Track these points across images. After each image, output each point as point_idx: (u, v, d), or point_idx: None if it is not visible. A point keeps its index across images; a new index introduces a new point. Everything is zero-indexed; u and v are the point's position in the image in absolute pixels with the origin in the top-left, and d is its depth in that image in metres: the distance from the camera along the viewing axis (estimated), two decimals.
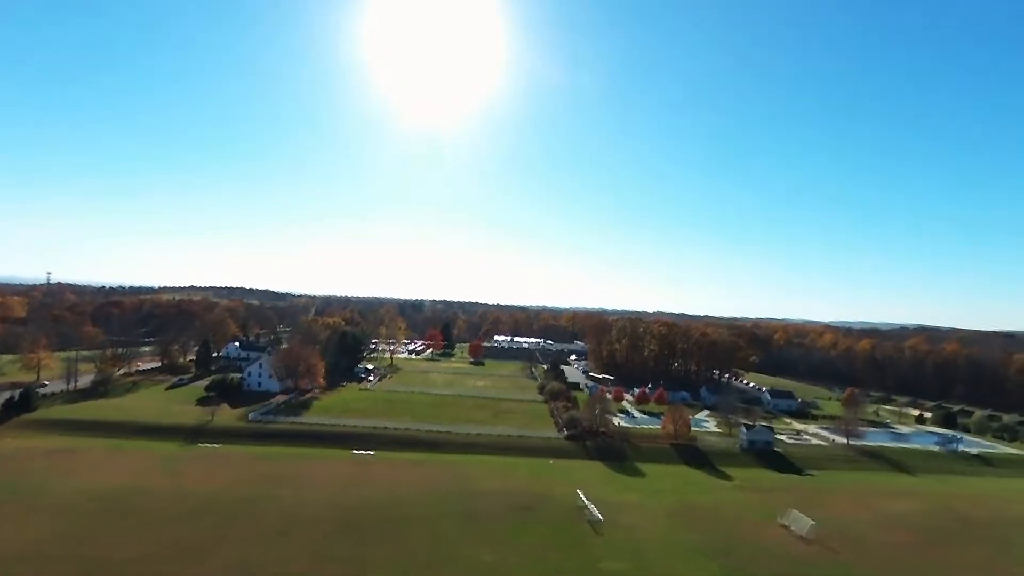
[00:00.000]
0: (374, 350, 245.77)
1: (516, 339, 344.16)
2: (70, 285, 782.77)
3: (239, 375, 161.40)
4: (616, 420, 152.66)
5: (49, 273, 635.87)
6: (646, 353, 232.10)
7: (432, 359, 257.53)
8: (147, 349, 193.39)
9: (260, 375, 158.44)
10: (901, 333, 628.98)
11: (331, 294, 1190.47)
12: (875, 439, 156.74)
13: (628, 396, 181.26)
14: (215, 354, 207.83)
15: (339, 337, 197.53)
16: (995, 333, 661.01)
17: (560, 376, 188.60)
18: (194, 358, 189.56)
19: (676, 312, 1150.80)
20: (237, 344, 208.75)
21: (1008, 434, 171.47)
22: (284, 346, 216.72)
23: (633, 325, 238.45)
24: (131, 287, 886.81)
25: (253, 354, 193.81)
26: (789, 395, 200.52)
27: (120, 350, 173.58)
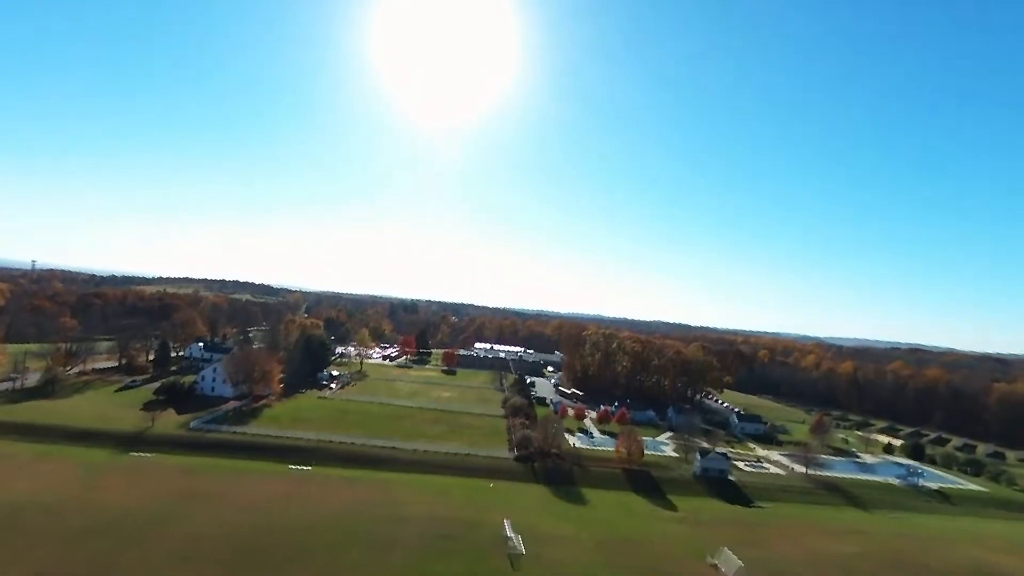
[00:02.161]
0: (343, 355, 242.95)
1: (496, 347, 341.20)
2: (63, 271, 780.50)
3: (194, 378, 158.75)
4: (574, 440, 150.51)
5: (34, 261, 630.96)
6: (619, 369, 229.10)
7: (404, 366, 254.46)
8: (106, 345, 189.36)
9: (214, 379, 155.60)
10: (892, 353, 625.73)
11: (329, 290, 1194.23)
12: (839, 469, 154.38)
13: (590, 414, 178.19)
14: (179, 354, 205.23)
15: (304, 341, 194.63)
16: (987, 357, 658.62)
17: (525, 390, 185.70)
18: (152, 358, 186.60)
19: (675, 322, 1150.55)
20: (201, 345, 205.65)
21: (973, 468, 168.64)
22: (255, 347, 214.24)
23: (607, 339, 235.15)
24: (124, 276, 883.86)
25: (217, 355, 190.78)
26: (757, 419, 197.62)
27: (72, 347, 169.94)
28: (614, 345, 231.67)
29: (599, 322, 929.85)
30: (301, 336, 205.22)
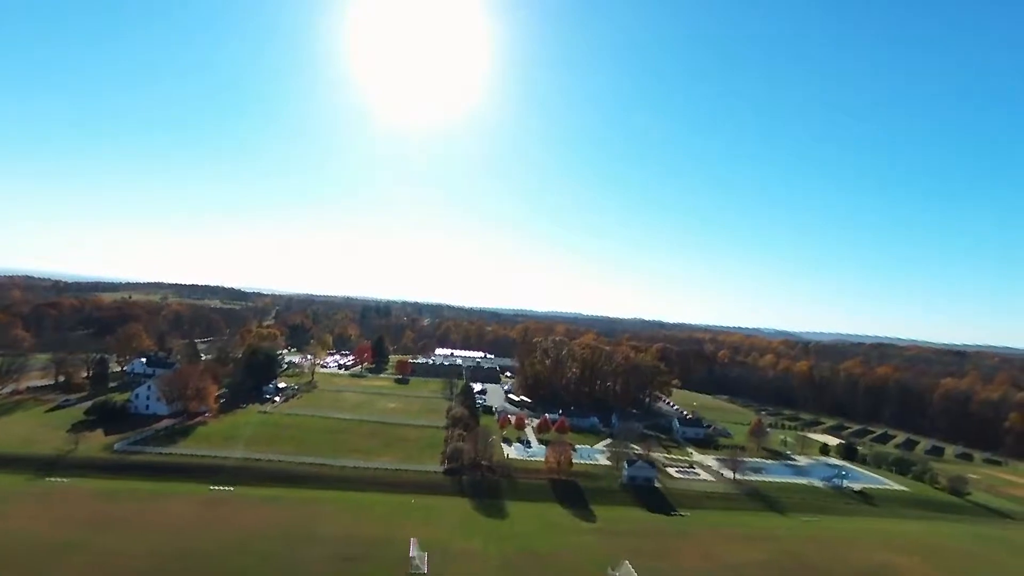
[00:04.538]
0: (295, 364, 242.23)
1: (456, 353, 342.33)
2: (26, 277, 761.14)
3: (127, 396, 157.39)
4: (510, 450, 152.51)
5: None
6: (568, 375, 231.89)
7: (358, 376, 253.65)
8: (43, 360, 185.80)
9: (148, 397, 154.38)
10: (855, 349, 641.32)
11: (304, 293, 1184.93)
12: (770, 473, 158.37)
13: (531, 423, 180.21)
14: (123, 369, 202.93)
15: (248, 355, 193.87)
16: (948, 350, 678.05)
17: (469, 400, 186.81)
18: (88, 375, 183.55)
19: (652, 319, 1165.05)
20: (144, 360, 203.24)
21: (899, 467, 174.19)
22: (202, 360, 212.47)
23: (557, 346, 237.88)
24: (89, 282, 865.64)
25: (160, 371, 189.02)
26: (698, 423, 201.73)
27: (2, 364, 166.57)
28: (564, 352, 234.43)
29: (577, 321, 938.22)
30: (246, 349, 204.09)
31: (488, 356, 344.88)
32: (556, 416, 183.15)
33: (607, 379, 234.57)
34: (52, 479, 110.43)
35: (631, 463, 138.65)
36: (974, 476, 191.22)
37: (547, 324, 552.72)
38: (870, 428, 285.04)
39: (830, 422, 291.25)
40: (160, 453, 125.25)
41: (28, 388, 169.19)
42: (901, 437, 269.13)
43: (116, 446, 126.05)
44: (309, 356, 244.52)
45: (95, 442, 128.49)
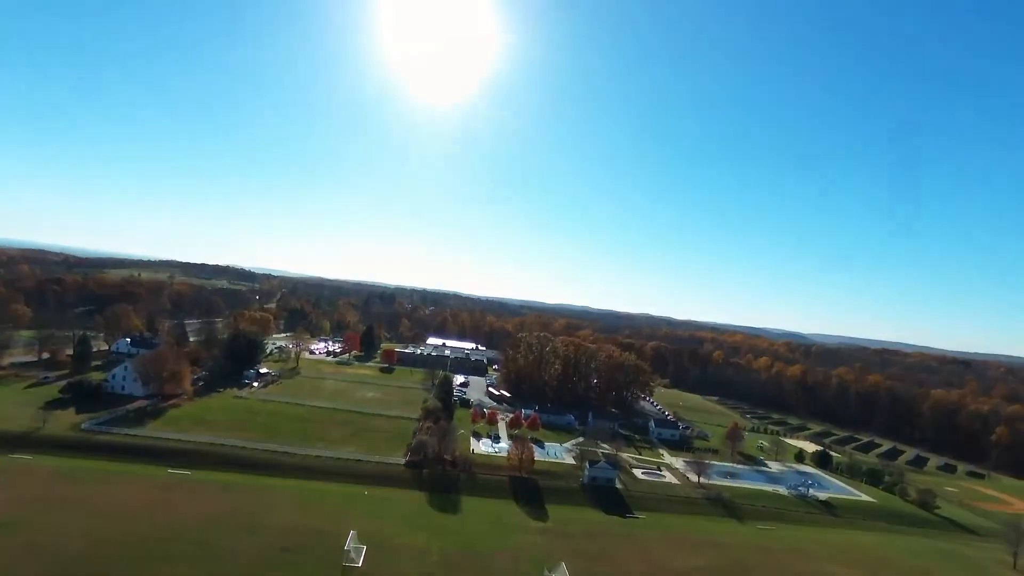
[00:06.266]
0: (281, 350, 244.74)
1: (447, 343, 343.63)
2: (36, 250, 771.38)
3: (104, 376, 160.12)
4: (478, 445, 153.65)
5: None
6: (551, 371, 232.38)
7: (344, 363, 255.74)
8: (27, 335, 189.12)
9: (125, 378, 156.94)
10: (858, 354, 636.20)
11: (314, 276, 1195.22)
12: (743, 478, 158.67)
13: (504, 418, 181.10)
14: (110, 348, 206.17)
15: (230, 339, 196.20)
16: (952, 359, 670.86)
17: (446, 391, 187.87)
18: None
19: (660, 316, 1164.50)
20: (128, 340, 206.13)
21: (871, 478, 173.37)
22: (190, 341, 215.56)
23: (540, 341, 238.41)
24: (98, 258, 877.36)
25: (144, 351, 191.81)
26: (673, 425, 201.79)
27: None
28: (547, 348, 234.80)
29: (585, 315, 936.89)
30: (229, 333, 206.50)
31: (479, 348, 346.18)
32: (531, 412, 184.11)
33: (590, 377, 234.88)
34: (16, 456, 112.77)
35: (593, 463, 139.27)
36: (952, 489, 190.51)
37: (547, 318, 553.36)
38: (856, 436, 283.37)
39: (817, 428, 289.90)
40: (126, 434, 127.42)
41: (11, 364, 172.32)
42: (887, 446, 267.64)
43: (84, 425, 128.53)
44: (298, 342, 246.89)
45: (65, 421, 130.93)
